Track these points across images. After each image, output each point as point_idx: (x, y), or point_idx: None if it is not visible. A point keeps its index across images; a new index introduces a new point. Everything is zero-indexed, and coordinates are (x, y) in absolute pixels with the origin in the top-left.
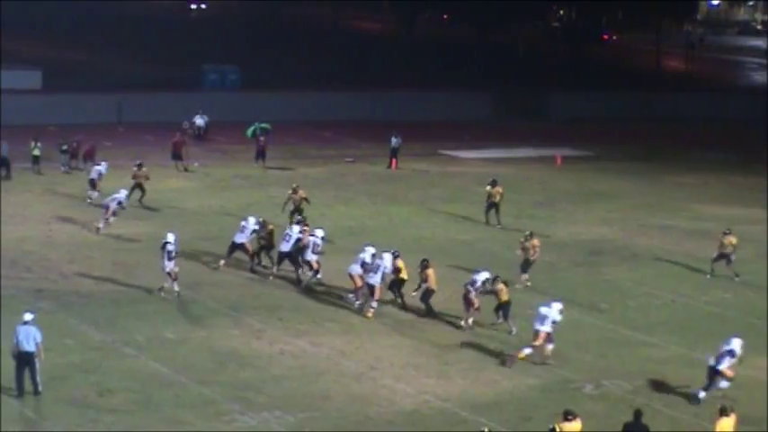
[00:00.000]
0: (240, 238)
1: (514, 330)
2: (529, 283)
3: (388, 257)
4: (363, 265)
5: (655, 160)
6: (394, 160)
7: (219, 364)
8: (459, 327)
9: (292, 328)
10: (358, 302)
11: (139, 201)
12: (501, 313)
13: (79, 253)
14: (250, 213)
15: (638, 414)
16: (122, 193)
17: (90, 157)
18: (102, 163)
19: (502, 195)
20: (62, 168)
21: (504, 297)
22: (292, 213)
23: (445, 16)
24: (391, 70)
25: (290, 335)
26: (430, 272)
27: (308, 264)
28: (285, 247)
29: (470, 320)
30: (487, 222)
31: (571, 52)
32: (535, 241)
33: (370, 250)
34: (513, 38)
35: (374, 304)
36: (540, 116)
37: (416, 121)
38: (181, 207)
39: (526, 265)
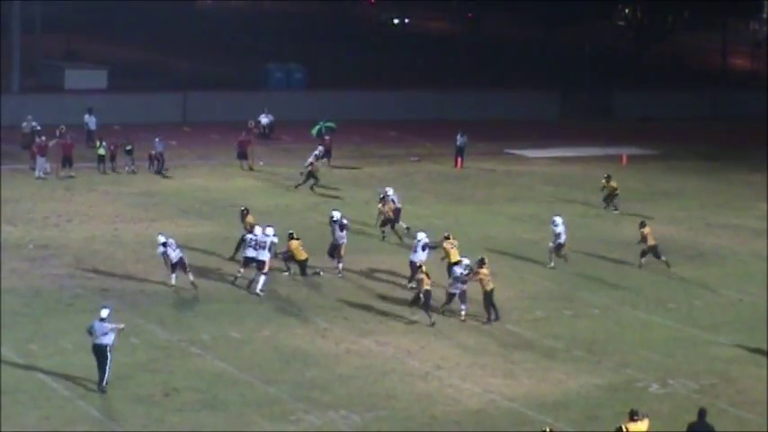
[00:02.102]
0: (415, 258)
1: (494, 317)
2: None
3: (466, 261)
4: (424, 248)
5: (721, 159)
6: (459, 159)
7: (285, 363)
8: (486, 323)
9: (357, 327)
10: (410, 285)
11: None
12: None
13: (145, 252)
14: (316, 211)
15: (702, 413)
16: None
17: (159, 161)
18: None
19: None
20: (126, 168)
21: (489, 286)
22: (383, 224)
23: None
24: (457, 69)
25: (356, 334)
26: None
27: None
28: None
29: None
30: (615, 209)
31: (637, 51)
32: (644, 229)
33: (423, 235)
34: (580, 37)
35: (463, 307)
36: (606, 115)
37: (482, 120)
38: (252, 208)
39: (643, 254)
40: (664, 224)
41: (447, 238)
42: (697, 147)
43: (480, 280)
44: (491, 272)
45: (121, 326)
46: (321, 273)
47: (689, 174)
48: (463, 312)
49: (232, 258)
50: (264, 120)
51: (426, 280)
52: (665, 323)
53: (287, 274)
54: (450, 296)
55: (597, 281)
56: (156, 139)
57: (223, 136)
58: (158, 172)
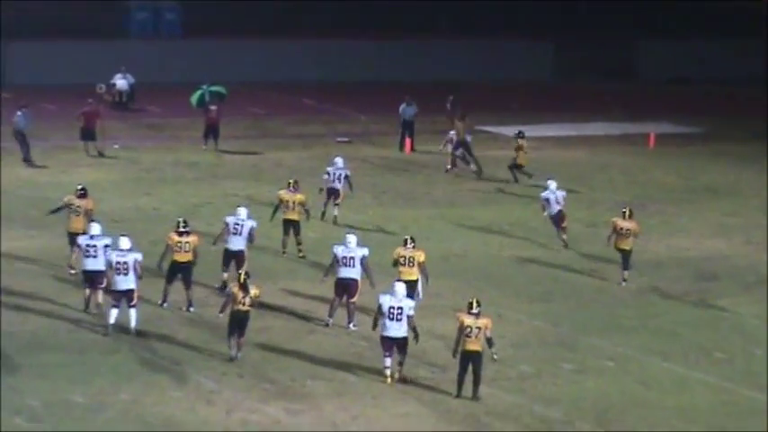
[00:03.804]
0: (238, 243)
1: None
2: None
3: (401, 287)
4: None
5: None
6: (408, 140)
7: None
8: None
9: (259, 387)
10: (330, 320)
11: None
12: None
13: None
14: (197, 217)
15: None
16: None
17: (23, 143)
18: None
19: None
20: None
21: (472, 345)
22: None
23: None
24: (403, 9)
25: (256, 398)
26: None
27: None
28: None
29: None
30: (516, 180)
31: None
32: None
33: (353, 239)
34: None
35: (397, 363)
36: (623, 77)
37: (442, 83)
38: (94, 209)
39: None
40: (708, 236)
41: (406, 242)
42: (756, 122)
43: (463, 331)
44: (484, 324)
45: None
46: (192, 309)
47: (745, 162)
48: (395, 374)
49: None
50: (121, 83)
51: (239, 295)
52: (710, 381)
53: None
54: (389, 344)
55: (611, 319)
56: (19, 113)
57: (60, 106)
58: (25, 159)
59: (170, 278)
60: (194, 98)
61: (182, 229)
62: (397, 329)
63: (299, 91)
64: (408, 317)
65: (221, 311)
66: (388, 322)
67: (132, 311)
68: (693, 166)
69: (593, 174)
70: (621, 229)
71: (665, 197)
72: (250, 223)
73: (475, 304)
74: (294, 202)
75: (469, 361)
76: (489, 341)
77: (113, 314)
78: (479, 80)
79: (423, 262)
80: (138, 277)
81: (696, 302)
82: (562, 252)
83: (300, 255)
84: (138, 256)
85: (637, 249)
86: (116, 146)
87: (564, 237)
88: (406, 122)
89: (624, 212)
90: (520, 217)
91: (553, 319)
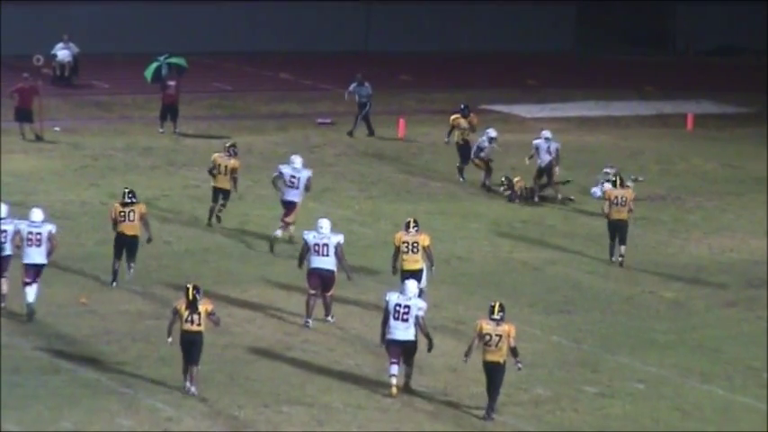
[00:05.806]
0: (293, 195)
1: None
2: None
3: (412, 285)
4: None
5: None
6: (401, 120)
7: None
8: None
9: (226, 414)
10: (309, 320)
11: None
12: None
13: None
14: (152, 211)
15: None
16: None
17: None
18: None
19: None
20: None
21: (494, 355)
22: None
23: None
24: None
25: (222, 427)
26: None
27: None
28: None
29: None
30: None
31: None
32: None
33: (325, 223)
34: None
35: (400, 370)
36: (658, 46)
37: (443, 54)
38: (30, 204)
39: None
40: (757, 235)
41: (408, 226)
42: None
43: (480, 338)
44: (506, 331)
45: None
46: (131, 270)
47: None
48: (393, 379)
49: None
50: (63, 53)
51: (184, 314)
52: (758, 407)
53: None
54: (395, 349)
55: (642, 333)
56: None
57: None
58: None
59: (117, 252)
60: (149, 72)
61: (127, 200)
62: (404, 331)
63: (273, 63)
64: (417, 318)
65: (168, 335)
66: (393, 322)
67: (35, 285)
68: (739, 153)
69: (621, 161)
70: (616, 197)
71: (707, 189)
72: (306, 173)
73: (497, 309)
74: (226, 168)
75: (490, 373)
76: (514, 351)
77: (30, 292)
78: (488, 51)
79: (428, 246)
80: (50, 252)
81: (742, 314)
82: (584, 255)
83: (218, 221)
84: (53, 228)
85: (673, 251)
86: (57, 128)
87: (550, 191)
88: (360, 104)
89: (614, 181)
90: (534, 213)
91: (574, 334)
